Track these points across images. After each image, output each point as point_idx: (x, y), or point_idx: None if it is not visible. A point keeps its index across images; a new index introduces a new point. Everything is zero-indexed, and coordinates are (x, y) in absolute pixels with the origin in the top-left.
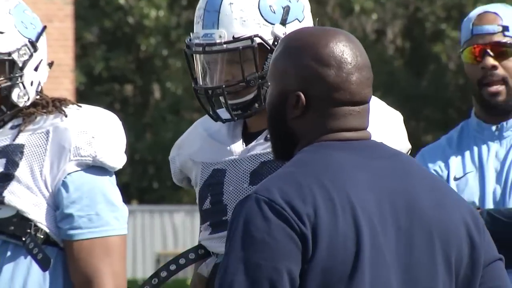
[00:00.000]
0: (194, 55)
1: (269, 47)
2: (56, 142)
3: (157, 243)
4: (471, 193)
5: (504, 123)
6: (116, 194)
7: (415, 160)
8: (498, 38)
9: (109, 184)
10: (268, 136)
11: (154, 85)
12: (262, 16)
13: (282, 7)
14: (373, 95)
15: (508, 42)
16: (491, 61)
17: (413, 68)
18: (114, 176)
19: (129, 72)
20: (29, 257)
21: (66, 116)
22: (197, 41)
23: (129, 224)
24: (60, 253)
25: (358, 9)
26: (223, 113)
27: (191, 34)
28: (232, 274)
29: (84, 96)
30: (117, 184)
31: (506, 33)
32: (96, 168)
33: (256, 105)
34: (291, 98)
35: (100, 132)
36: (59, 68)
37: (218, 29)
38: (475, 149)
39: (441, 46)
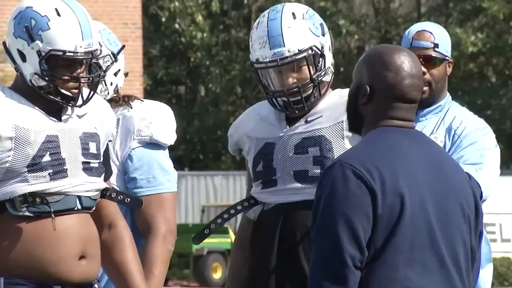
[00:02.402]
0: (259, 71)
1: (320, 52)
2: (124, 126)
3: (202, 198)
4: None
5: (421, 111)
6: (168, 163)
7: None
8: (429, 52)
9: (163, 156)
10: (308, 119)
11: (200, 86)
12: (312, 32)
13: (319, 24)
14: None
15: (436, 56)
16: (422, 68)
17: None
18: (167, 150)
19: (182, 77)
20: None
21: (131, 108)
22: (268, 59)
23: (183, 185)
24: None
25: (344, 31)
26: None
27: (255, 58)
28: (320, 218)
29: (150, 94)
30: (172, 157)
31: (436, 49)
32: (153, 144)
33: (313, 97)
34: (363, 90)
35: (156, 118)
36: (132, 74)
37: (285, 46)
38: None
39: None
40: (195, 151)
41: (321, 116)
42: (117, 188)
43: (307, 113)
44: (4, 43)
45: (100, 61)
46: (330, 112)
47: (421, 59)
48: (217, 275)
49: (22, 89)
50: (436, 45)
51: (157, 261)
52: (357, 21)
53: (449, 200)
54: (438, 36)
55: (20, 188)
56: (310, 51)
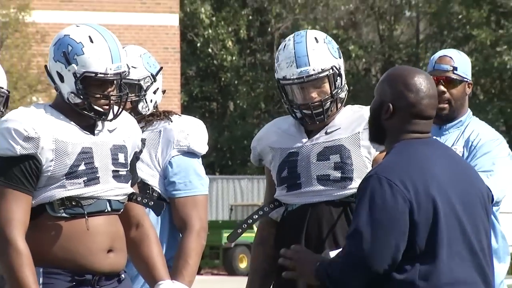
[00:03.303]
0: (286, 86)
1: (338, 72)
2: (165, 137)
3: (230, 198)
4: None
5: (444, 126)
6: (201, 169)
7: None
8: (449, 74)
9: (197, 163)
10: (328, 131)
11: (229, 102)
12: (331, 54)
13: (337, 48)
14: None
15: (455, 78)
16: (442, 88)
17: None
18: (200, 159)
19: (214, 94)
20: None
21: (171, 121)
22: (295, 76)
23: (214, 187)
24: (168, 206)
25: (354, 55)
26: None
27: (282, 75)
28: (359, 228)
29: (186, 109)
30: (205, 163)
31: (455, 71)
32: (190, 153)
33: (329, 112)
34: (385, 106)
35: (192, 131)
36: (171, 91)
37: (310, 66)
38: None
39: None
40: (225, 158)
41: (339, 128)
42: (158, 190)
43: (325, 126)
44: (45, 66)
45: (141, 82)
46: (347, 125)
47: (442, 80)
48: (243, 265)
49: (61, 106)
50: (455, 68)
51: (192, 253)
52: (365, 47)
53: (471, 196)
54: (457, 61)
55: (58, 193)
56: (331, 71)
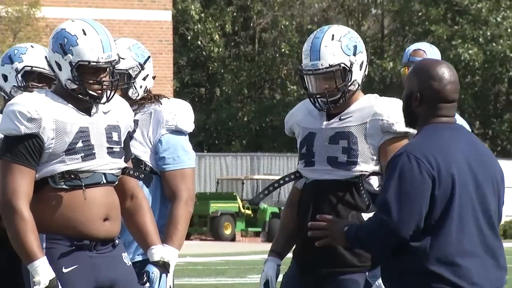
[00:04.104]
0: (305, 76)
1: (348, 68)
2: (155, 118)
3: (217, 173)
4: None
5: None
6: (188, 145)
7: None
8: None
9: (185, 140)
10: (341, 117)
11: (216, 88)
12: (343, 51)
13: (353, 46)
14: None
15: None
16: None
17: None
18: (187, 136)
19: (203, 81)
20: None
21: (161, 104)
22: (308, 67)
23: (202, 163)
24: (159, 178)
25: None
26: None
27: (302, 65)
28: (389, 198)
29: (178, 94)
30: (194, 142)
31: None
32: (177, 131)
33: (341, 101)
34: (414, 96)
35: (179, 112)
36: (165, 79)
37: (320, 60)
38: None
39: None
40: (212, 137)
41: (351, 116)
42: (150, 165)
43: (341, 112)
44: (45, 57)
45: (130, 71)
46: (359, 114)
47: None
48: (228, 231)
49: (60, 91)
50: None
51: (180, 220)
52: None
53: (485, 179)
54: (429, 53)
55: (59, 167)
56: (338, 67)
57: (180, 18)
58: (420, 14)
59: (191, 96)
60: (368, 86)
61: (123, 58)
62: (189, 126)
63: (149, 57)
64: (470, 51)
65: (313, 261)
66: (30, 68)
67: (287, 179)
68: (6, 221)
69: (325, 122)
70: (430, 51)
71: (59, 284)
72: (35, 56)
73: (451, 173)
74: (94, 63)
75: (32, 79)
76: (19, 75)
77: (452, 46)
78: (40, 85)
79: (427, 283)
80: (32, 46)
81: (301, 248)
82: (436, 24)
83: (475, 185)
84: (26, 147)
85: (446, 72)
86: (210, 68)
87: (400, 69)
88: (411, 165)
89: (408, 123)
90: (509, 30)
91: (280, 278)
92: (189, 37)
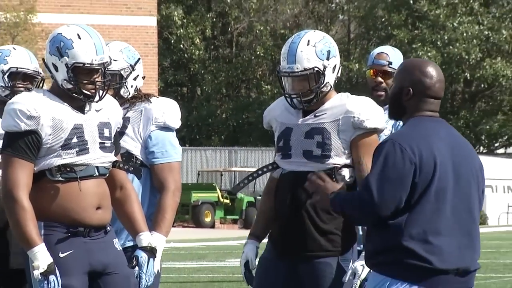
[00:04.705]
0: (282, 77)
1: (321, 72)
2: (145, 115)
3: (198, 165)
4: None
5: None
6: (175, 141)
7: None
8: (385, 68)
9: (172, 136)
10: (316, 114)
11: (197, 88)
12: (317, 56)
13: (326, 51)
14: None
15: (390, 70)
16: (379, 79)
17: None
18: (174, 132)
19: (185, 81)
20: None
21: (151, 102)
22: (284, 70)
23: (184, 156)
24: (148, 171)
25: None
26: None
27: (279, 67)
28: (372, 180)
29: (162, 93)
30: (178, 137)
31: (390, 65)
32: (165, 128)
33: (314, 101)
34: (405, 90)
35: (167, 110)
36: (150, 79)
37: (295, 64)
38: None
39: None
40: (194, 132)
41: (325, 113)
42: (141, 158)
43: (316, 109)
44: (43, 59)
45: (122, 72)
46: (332, 111)
47: (380, 73)
48: (208, 219)
49: (56, 91)
50: (390, 63)
51: (168, 209)
52: None
53: (465, 169)
54: (392, 56)
55: (55, 161)
56: (312, 70)
57: (164, 23)
58: (383, 19)
59: (174, 95)
60: (336, 86)
61: (115, 60)
62: (177, 123)
63: (139, 59)
64: (429, 54)
65: (290, 245)
66: (15, 69)
67: (265, 169)
68: (8, 210)
69: (301, 119)
70: (392, 53)
71: (56, 268)
72: (19, 57)
73: (433, 161)
74: (88, 65)
75: (17, 79)
76: (5, 76)
77: (413, 49)
78: (24, 83)
79: (400, 258)
80: (14, 48)
81: (279, 232)
82: (398, 29)
83: (455, 172)
84: (26, 142)
85: (435, 71)
86: (192, 69)
87: (366, 71)
88: (395, 152)
89: (395, 115)
90: (464, 34)
91: (257, 260)
92: (172, 41)
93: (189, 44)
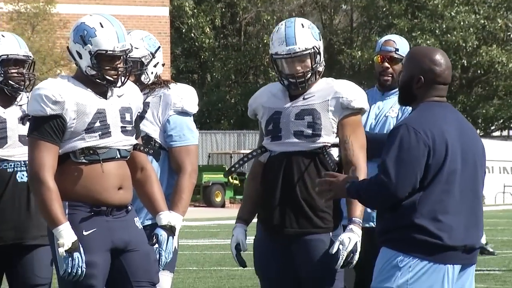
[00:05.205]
0: (277, 60)
1: (318, 51)
2: (164, 100)
3: (208, 148)
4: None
5: (387, 92)
6: (193, 125)
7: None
8: (392, 54)
9: (190, 120)
10: (305, 97)
11: (207, 74)
12: (313, 37)
13: (317, 33)
14: None
15: (397, 57)
16: (386, 64)
17: None
18: (192, 117)
19: (196, 68)
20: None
21: (169, 88)
22: (285, 52)
23: None
24: (167, 153)
25: None
26: (279, 85)
27: (275, 51)
28: (389, 163)
29: (174, 79)
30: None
31: (397, 52)
32: (183, 112)
33: (310, 82)
34: (416, 78)
35: (185, 95)
36: (163, 66)
37: (296, 45)
38: (371, 101)
39: None
40: (204, 117)
41: (314, 95)
42: (159, 141)
43: (304, 93)
44: (67, 47)
45: (143, 59)
46: (321, 93)
47: (387, 58)
48: (218, 199)
49: (80, 77)
50: (397, 49)
51: (185, 190)
52: None
53: (471, 151)
54: (398, 43)
55: (79, 144)
56: (312, 50)
57: (176, 13)
58: (384, 9)
59: (185, 82)
60: (339, 72)
61: (136, 48)
62: (194, 108)
63: (159, 47)
64: (428, 42)
65: (283, 225)
66: (6, 56)
67: (254, 153)
68: (34, 191)
69: (289, 102)
70: (399, 41)
71: (80, 245)
72: (8, 44)
73: (444, 144)
74: (111, 52)
75: (9, 65)
76: None
77: (412, 38)
78: (16, 67)
79: (412, 234)
80: (3, 36)
81: (270, 213)
82: (398, 18)
83: (462, 155)
84: (51, 126)
85: (443, 58)
86: (202, 57)
87: (373, 58)
88: (410, 135)
89: (406, 101)
90: (461, 23)
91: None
92: (183, 30)
93: (200, 33)
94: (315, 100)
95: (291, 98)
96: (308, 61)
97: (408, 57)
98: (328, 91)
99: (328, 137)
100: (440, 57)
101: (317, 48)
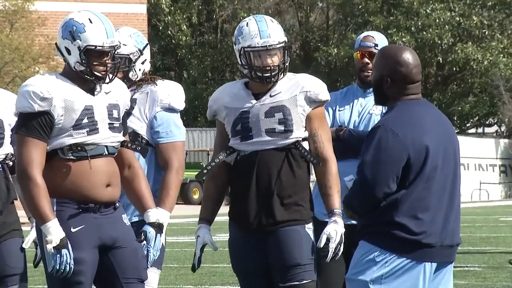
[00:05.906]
0: (250, 53)
1: (286, 46)
2: (151, 97)
3: (185, 145)
4: (344, 119)
5: (368, 89)
6: (179, 121)
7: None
8: (372, 49)
9: (176, 117)
10: (271, 94)
11: (184, 72)
12: (282, 32)
13: (282, 29)
14: None
15: (376, 52)
16: (366, 60)
17: None
18: (179, 113)
19: (172, 66)
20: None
21: (156, 85)
22: (260, 44)
23: None
24: (153, 150)
25: None
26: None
27: (247, 44)
28: (366, 164)
29: None
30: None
31: (376, 47)
32: (170, 109)
33: (281, 76)
34: (385, 79)
35: (172, 92)
36: None
37: (271, 38)
38: (352, 98)
39: None
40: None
41: (280, 92)
42: (146, 138)
43: (268, 90)
44: (56, 44)
45: (131, 56)
46: (286, 89)
47: (366, 54)
48: (196, 196)
49: (68, 74)
50: (376, 45)
51: (172, 186)
52: (287, 30)
53: (449, 148)
54: (377, 39)
55: (67, 140)
56: (284, 44)
57: (153, 11)
58: (360, 6)
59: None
60: (316, 69)
61: (124, 45)
62: (181, 105)
63: (147, 44)
64: (403, 39)
65: (259, 222)
66: None
67: (224, 154)
68: (22, 187)
69: (254, 101)
70: (378, 37)
71: (68, 242)
72: None
73: (424, 143)
74: (100, 47)
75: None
76: None
77: (388, 35)
78: None
79: (391, 231)
80: None
81: (246, 211)
82: (374, 15)
83: (443, 152)
84: (39, 122)
85: (410, 57)
86: (179, 54)
87: (354, 53)
88: (388, 137)
89: (380, 101)
90: (437, 20)
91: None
92: (160, 27)
93: (176, 31)
94: (283, 97)
95: (255, 97)
96: (280, 54)
97: (377, 58)
98: (294, 86)
99: (299, 132)
100: (407, 56)
101: (287, 43)
